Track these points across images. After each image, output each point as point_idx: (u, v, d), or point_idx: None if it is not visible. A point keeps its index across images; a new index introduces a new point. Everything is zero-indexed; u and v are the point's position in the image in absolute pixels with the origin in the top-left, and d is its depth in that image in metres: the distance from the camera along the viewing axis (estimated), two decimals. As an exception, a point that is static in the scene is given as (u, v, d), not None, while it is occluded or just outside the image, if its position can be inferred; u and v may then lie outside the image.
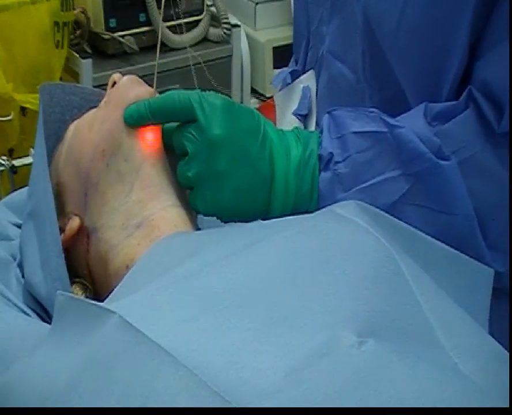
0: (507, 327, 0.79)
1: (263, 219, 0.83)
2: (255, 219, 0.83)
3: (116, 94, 0.86)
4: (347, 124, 0.84)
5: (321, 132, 0.86)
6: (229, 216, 0.83)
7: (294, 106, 1.03)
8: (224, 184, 0.81)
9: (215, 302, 0.63)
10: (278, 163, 0.83)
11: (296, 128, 0.88)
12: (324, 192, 0.83)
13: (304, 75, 1.02)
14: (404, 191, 0.81)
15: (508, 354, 0.68)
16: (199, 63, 2.33)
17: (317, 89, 1.00)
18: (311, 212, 0.82)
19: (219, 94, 0.83)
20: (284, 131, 0.86)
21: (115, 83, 0.88)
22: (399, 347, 0.62)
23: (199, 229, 0.85)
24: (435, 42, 0.84)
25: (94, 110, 0.88)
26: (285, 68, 1.09)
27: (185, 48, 2.31)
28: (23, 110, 1.98)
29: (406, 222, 0.80)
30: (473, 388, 0.60)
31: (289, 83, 1.05)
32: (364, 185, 0.82)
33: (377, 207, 0.79)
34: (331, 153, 0.83)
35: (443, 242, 0.79)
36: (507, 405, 0.59)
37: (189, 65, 2.29)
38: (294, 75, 1.05)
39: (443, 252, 0.77)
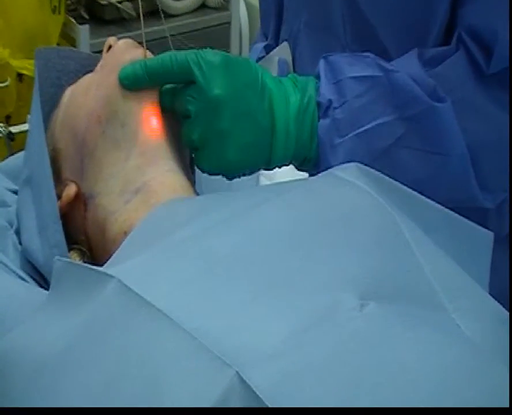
0: (498, 274, 0.79)
1: (266, 170, 0.85)
2: (258, 170, 0.85)
3: (111, 58, 0.85)
4: (343, 69, 0.84)
5: (317, 77, 0.86)
6: (234, 172, 0.84)
7: None
8: (228, 141, 0.81)
9: (215, 265, 0.63)
10: (278, 112, 0.83)
11: (293, 75, 0.87)
12: (323, 139, 0.84)
13: (278, 48, 1.02)
14: (399, 135, 0.82)
15: (508, 314, 0.68)
16: (198, 30, 2.31)
17: (294, 63, 1.00)
18: (311, 159, 0.84)
19: (216, 51, 0.82)
20: (281, 78, 0.85)
21: (110, 47, 0.87)
22: (401, 309, 0.61)
23: (197, 194, 0.84)
24: None
25: (90, 75, 0.86)
26: (257, 45, 1.08)
27: (184, 14, 2.30)
28: (20, 76, 1.97)
29: (401, 166, 0.81)
30: (475, 351, 0.60)
31: (263, 56, 1.05)
32: (359, 130, 0.82)
33: (372, 152, 0.81)
34: (330, 99, 0.83)
35: (437, 183, 0.81)
36: (506, 366, 0.59)
37: (188, 31, 2.28)
38: (268, 49, 1.04)
39: (443, 216, 0.76)
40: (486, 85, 0.82)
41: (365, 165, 0.77)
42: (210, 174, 0.84)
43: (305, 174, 0.92)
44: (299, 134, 0.84)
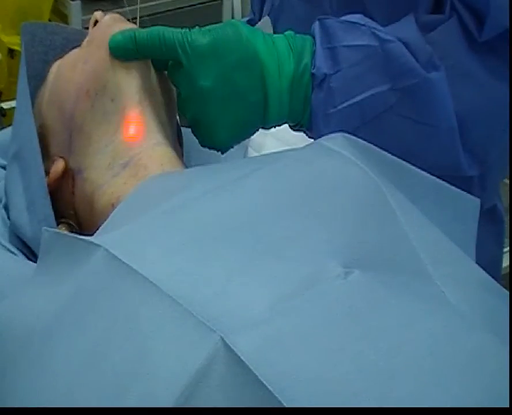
0: (482, 248, 0.80)
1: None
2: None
3: (98, 32, 0.84)
4: (338, 36, 0.83)
5: (313, 37, 0.85)
6: (227, 147, 0.85)
7: None
8: (219, 124, 0.81)
9: (202, 234, 0.63)
10: (270, 85, 0.82)
11: (290, 33, 0.85)
12: (316, 110, 0.83)
13: (260, 22, 1.01)
14: (391, 104, 0.82)
15: (494, 282, 0.68)
16: (190, 6, 2.30)
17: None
18: (303, 124, 0.84)
19: (206, 30, 0.81)
20: (274, 39, 0.83)
21: (97, 22, 0.86)
22: (386, 277, 0.62)
23: (186, 167, 0.84)
24: None
25: (76, 50, 0.86)
26: (243, 20, 1.08)
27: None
28: (11, 52, 1.97)
29: (391, 131, 0.82)
30: (458, 317, 0.60)
31: None
32: (353, 100, 0.82)
33: (363, 119, 0.81)
34: (325, 73, 0.83)
35: (425, 150, 0.83)
36: (489, 333, 0.59)
37: (181, 7, 2.27)
38: (251, 24, 1.04)
39: (430, 184, 0.76)
40: (479, 52, 0.83)
41: (356, 130, 0.77)
42: (203, 146, 0.85)
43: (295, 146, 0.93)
44: (292, 104, 0.83)
